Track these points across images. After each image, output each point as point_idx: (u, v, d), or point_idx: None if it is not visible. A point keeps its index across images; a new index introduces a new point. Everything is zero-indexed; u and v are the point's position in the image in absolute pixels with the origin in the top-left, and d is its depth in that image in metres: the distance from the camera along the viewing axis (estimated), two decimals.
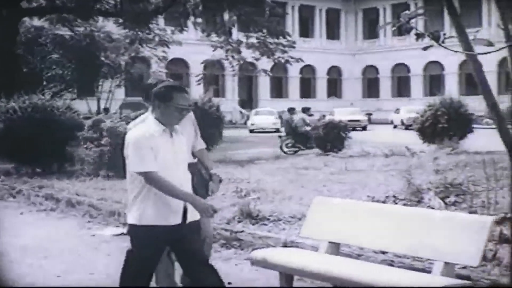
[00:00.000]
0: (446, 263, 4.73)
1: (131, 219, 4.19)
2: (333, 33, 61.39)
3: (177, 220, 4.15)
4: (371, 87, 60.59)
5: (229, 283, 5.85)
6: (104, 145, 13.35)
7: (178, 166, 4.22)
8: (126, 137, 4.26)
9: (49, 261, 7.02)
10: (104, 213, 9.51)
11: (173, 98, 4.17)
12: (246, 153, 19.33)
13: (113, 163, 13.11)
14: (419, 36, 3.63)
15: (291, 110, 22.20)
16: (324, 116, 31.49)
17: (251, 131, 38.79)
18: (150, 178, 4.06)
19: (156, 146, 4.09)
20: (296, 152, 19.91)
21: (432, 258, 4.94)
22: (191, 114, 4.96)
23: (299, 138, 20.55)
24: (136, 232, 4.19)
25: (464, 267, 5.09)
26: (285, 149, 20.43)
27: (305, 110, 22.89)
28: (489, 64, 39.09)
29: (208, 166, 5.18)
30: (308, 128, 20.44)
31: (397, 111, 44.65)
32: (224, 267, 6.49)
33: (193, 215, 4.22)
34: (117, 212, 9.29)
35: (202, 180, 5.05)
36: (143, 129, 4.21)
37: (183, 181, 4.22)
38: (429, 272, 4.83)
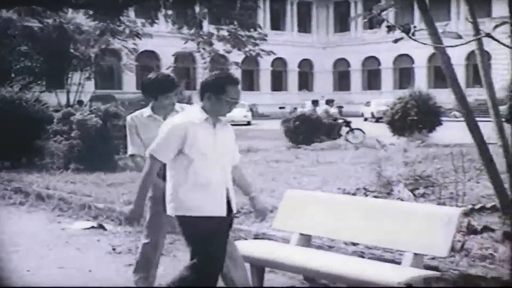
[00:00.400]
0: (415, 254, 4.79)
1: (183, 210, 4.08)
2: (304, 26, 61.48)
3: (223, 213, 4.13)
4: (342, 80, 60.85)
5: None
6: (74, 138, 13.22)
7: (218, 159, 4.11)
8: (167, 120, 4.31)
9: (20, 255, 6.94)
10: (75, 207, 9.43)
11: (226, 91, 4.08)
12: None
13: (83, 156, 13.01)
14: (390, 28, 3.65)
15: (315, 103, 22.52)
16: (295, 109, 31.55)
17: None
18: (150, 164, 4.11)
19: (194, 134, 4.02)
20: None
21: (401, 249, 5.00)
22: None
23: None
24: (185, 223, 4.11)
25: (433, 258, 5.16)
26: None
27: (329, 102, 23.11)
28: (458, 57, 39.61)
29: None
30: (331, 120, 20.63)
31: (367, 104, 44.94)
32: None
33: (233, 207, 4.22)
34: (88, 205, 9.23)
35: None
36: (182, 116, 4.18)
37: (220, 176, 4.12)
38: (399, 263, 4.89)
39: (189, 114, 4.16)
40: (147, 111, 5.09)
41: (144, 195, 4.20)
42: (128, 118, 5.20)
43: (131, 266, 6.31)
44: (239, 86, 4.19)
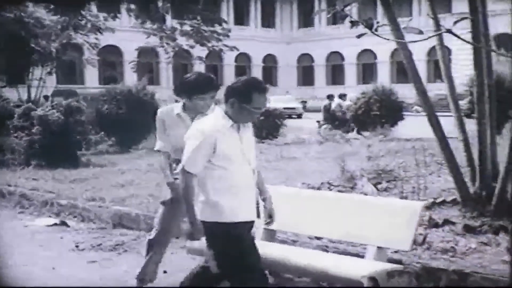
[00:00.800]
0: (378, 247, 4.84)
1: (212, 215, 3.99)
2: (268, 21, 61.53)
3: (254, 217, 4.12)
4: (306, 75, 61.09)
5: (165, 271, 5.84)
6: (35, 133, 13.03)
7: (245, 163, 4.04)
8: (193, 127, 4.08)
9: None
10: (36, 204, 9.30)
11: (252, 100, 3.91)
12: None
13: (44, 152, 12.84)
14: (353, 23, 3.67)
15: (330, 97, 22.93)
16: None
17: None
18: (185, 178, 3.96)
19: (221, 142, 3.92)
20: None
21: (365, 243, 5.05)
22: None
23: (337, 123, 21.12)
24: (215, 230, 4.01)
25: (396, 252, 5.22)
26: (323, 134, 20.43)
27: (342, 96, 23.56)
28: (419, 52, 40.08)
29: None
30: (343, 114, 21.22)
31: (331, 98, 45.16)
32: None
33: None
34: (50, 202, 9.11)
35: None
36: (209, 124, 3.99)
37: (249, 180, 4.08)
38: (363, 257, 4.93)
39: (214, 121, 4.01)
40: (177, 108, 4.85)
41: (193, 208, 3.99)
42: (158, 112, 4.99)
43: (95, 263, 6.28)
44: (265, 94, 3.98)
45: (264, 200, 4.36)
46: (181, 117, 4.80)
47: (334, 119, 21.58)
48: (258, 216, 4.19)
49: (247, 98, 3.90)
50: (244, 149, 4.04)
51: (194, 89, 4.70)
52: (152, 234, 5.10)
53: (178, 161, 4.38)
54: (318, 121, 22.61)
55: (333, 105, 22.09)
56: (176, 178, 4.68)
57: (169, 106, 4.97)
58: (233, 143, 3.98)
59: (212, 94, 4.74)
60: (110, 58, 48.04)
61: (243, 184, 4.04)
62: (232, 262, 4.03)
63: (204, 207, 4.01)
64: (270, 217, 4.37)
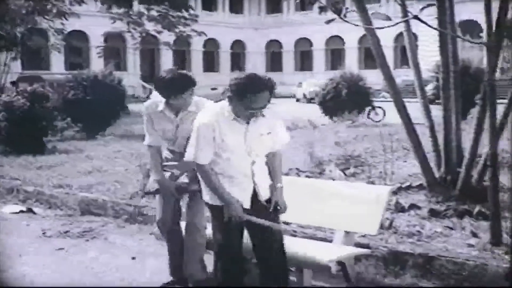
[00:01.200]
0: (346, 232, 4.89)
1: (213, 199, 4.18)
2: (236, 7, 61.25)
3: (246, 205, 4.13)
4: (274, 61, 61.06)
5: (133, 258, 5.83)
6: (0, 120, 12.84)
7: (246, 154, 4.08)
8: (196, 120, 4.16)
9: None
10: (2, 191, 9.18)
11: (247, 100, 3.92)
12: None
13: (10, 139, 12.67)
14: (322, 9, 3.69)
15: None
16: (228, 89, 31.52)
17: None
18: (201, 170, 4.11)
19: (221, 132, 4.01)
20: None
21: (333, 227, 5.10)
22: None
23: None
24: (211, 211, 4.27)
25: (363, 236, 5.28)
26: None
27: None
28: (387, 38, 40.31)
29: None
30: None
31: (299, 85, 45.27)
32: (128, 242, 6.46)
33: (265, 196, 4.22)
34: (16, 189, 9.00)
35: None
36: (210, 115, 4.07)
37: (247, 170, 4.11)
38: (331, 241, 4.97)
39: (217, 111, 4.09)
40: (161, 105, 4.80)
41: (223, 193, 4.07)
42: (144, 107, 4.91)
43: (63, 250, 6.23)
44: (263, 94, 3.92)
45: (273, 190, 4.33)
46: (165, 114, 4.78)
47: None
48: (253, 205, 4.17)
49: (241, 97, 3.92)
50: (249, 141, 4.07)
51: (171, 90, 4.66)
52: (155, 226, 5.12)
53: (171, 152, 4.81)
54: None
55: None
56: (165, 170, 4.77)
57: (153, 102, 4.86)
58: (234, 134, 4.04)
59: (189, 92, 4.70)
60: (76, 44, 47.38)
61: (238, 173, 4.10)
62: (217, 244, 4.28)
63: (206, 191, 4.20)
64: (275, 209, 4.33)
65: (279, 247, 4.27)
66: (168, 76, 4.65)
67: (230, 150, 4.05)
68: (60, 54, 42.79)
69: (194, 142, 4.08)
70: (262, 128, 4.12)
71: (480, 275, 4.76)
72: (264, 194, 4.22)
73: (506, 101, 6.33)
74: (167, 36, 31.52)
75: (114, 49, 48.59)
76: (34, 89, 13.68)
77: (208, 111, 4.17)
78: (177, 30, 28.91)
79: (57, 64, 45.86)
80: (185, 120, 4.71)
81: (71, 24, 36.76)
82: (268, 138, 4.18)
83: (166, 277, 5.04)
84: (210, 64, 59.33)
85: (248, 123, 4.06)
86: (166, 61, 55.49)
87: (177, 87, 4.64)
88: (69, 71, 26.81)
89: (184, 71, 4.82)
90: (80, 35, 48.99)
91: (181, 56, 56.61)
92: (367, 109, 20.71)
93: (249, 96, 3.91)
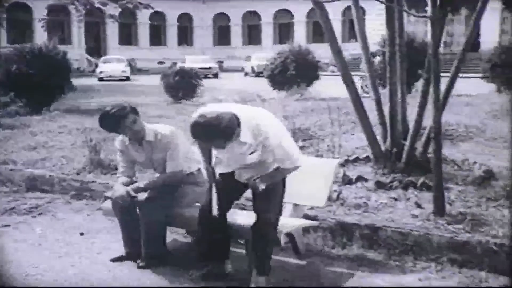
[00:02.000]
0: (295, 205, 4.95)
1: None
2: None
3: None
4: (222, 34, 60.70)
5: (82, 233, 5.78)
6: None
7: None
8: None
9: None
10: None
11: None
12: (97, 102, 18.74)
13: None
14: None
15: (374, 55, 22.09)
16: (175, 64, 31.22)
17: (100, 79, 37.58)
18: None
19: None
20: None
21: None
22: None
23: None
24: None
25: (312, 208, 5.35)
26: (366, 89, 20.02)
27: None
28: (335, 12, 40.51)
29: None
30: None
31: (247, 58, 45.19)
32: (76, 218, 6.38)
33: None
34: None
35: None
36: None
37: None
38: None
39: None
40: (125, 138, 5.02)
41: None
42: (117, 144, 5.10)
43: (9, 227, 6.12)
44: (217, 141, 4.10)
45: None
46: (131, 144, 5.00)
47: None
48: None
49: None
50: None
51: (107, 129, 4.93)
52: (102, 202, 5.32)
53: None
54: (361, 77, 22.08)
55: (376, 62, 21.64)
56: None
57: (122, 138, 5.03)
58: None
59: (126, 124, 4.81)
60: (18, 17, 46.09)
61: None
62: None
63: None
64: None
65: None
66: (99, 118, 4.81)
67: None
68: (2, 29, 41.61)
69: (185, 151, 4.81)
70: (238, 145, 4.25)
71: (424, 245, 4.89)
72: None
73: (449, 74, 6.48)
74: (113, 8, 30.92)
75: (58, 22, 47.51)
76: None
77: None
78: (122, 2, 28.38)
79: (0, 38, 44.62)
80: (154, 149, 4.96)
81: None
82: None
83: (115, 253, 5.01)
84: (157, 37, 58.62)
85: None
86: (112, 35, 54.59)
87: (109, 126, 4.87)
88: (11, 45, 26.10)
89: (116, 104, 4.92)
90: (23, 8, 47.73)
91: (127, 29, 55.78)
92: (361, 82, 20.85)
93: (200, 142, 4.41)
